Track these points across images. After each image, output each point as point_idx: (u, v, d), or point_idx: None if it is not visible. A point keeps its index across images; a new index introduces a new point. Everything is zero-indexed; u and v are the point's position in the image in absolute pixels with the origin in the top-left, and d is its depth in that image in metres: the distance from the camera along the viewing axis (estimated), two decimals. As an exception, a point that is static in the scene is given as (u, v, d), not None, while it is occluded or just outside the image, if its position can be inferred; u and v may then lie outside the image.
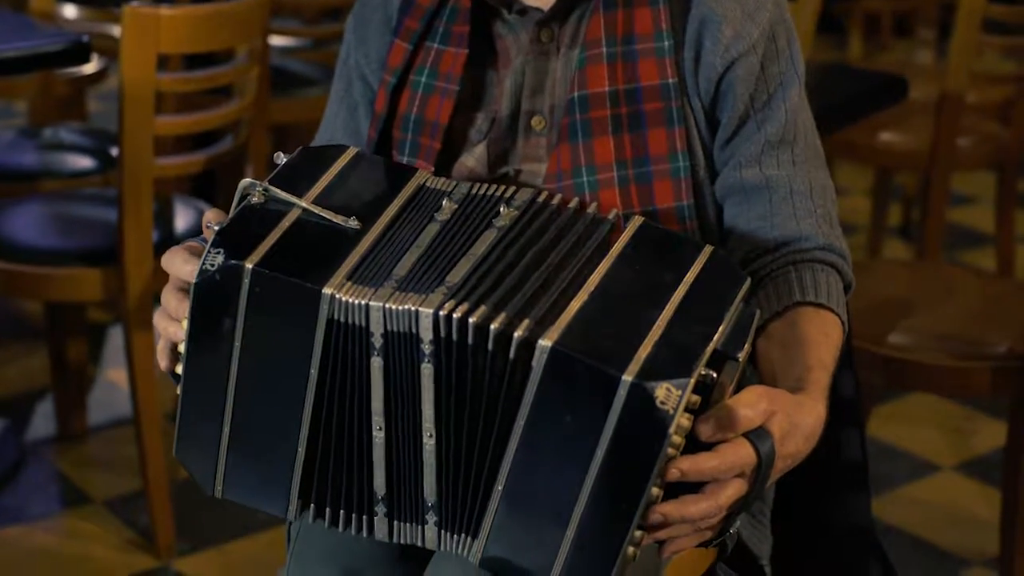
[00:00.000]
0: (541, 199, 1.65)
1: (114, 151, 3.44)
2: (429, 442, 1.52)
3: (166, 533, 3.02)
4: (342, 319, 1.51)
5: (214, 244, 1.53)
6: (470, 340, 1.47)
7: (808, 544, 1.94)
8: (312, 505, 1.61)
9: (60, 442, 3.49)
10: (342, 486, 1.59)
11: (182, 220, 3.15)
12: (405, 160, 1.82)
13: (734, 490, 1.49)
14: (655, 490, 1.44)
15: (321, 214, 1.58)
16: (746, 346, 1.52)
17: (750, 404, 1.49)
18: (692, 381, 1.43)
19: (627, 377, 1.40)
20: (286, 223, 1.57)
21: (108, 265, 2.91)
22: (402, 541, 1.60)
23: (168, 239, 2.98)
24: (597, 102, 1.76)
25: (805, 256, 1.76)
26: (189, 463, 1.65)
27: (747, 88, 1.76)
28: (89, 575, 2.96)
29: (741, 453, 1.48)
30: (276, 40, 4.39)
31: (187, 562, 3.03)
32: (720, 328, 1.50)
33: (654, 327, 1.46)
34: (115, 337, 3.99)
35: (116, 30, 3.94)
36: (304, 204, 1.59)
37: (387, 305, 1.49)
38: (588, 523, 1.46)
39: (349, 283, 1.51)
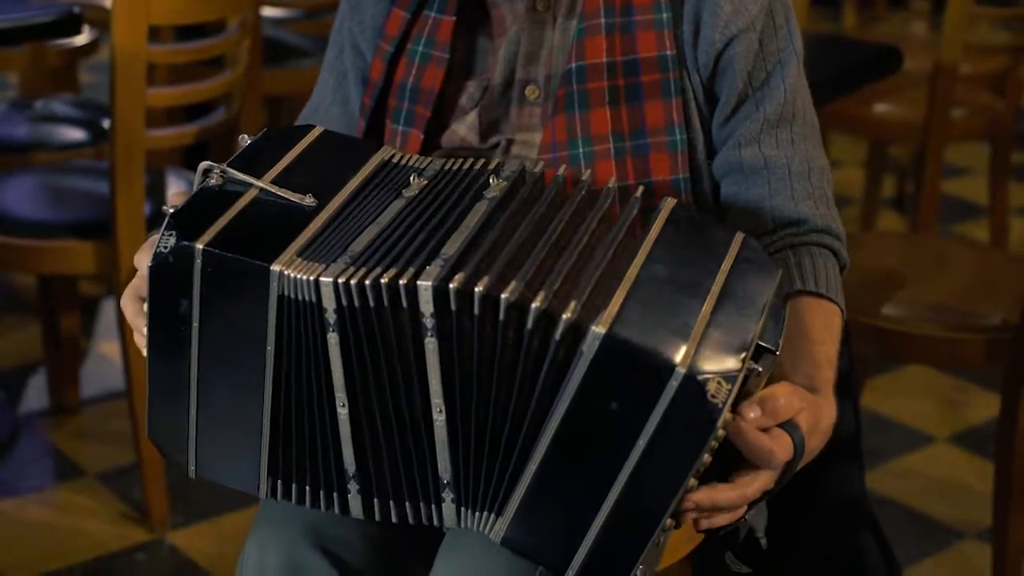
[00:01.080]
0: (537, 169, 1.65)
1: (106, 123, 3.43)
2: (439, 418, 1.50)
3: (159, 506, 3.02)
4: (293, 295, 1.50)
5: (167, 227, 1.53)
6: (476, 312, 1.45)
7: (802, 516, 1.94)
8: (280, 482, 1.60)
9: (53, 415, 3.49)
10: (307, 463, 1.58)
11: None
12: (400, 129, 1.82)
13: (762, 482, 1.50)
14: (692, 480, 1.44)
15: (278, 193, 1.58)
16: (781, 339, 1.52)
17: (787, 396, 1.50)
18: (741, 375, 1.42)
19: (680, 368, 1.39)
20: (241, 203, 1.57)
21: (100, 238, 2.90)
22: (398, 521, 1.59)
23: (160, 211, 2.97)
24: (595, 73, 1.75)
25: (803, 239, 1.77)
26: (162, 445, 1.65)
27: (746, 65, 1.75)
28: (82, 548, 2.96)
29: (786, 445, 1.49)
30: (268, 11, 4.37)
31: (180, 535, 3.03)
32: (761, 320, 1.50)
33: (699, 317, 1.45)
34: (108, 310, 3.99)
35: (107, 1, 3.92)
36: (261, 184, 1.59)
37: (339, 280, 1.47)
38: (621, 509, 1.45)
39: (299, 259, 1.50)
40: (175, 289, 1.54)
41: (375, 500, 1.58)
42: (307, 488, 1.60)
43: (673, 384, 1.40)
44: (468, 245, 1.50)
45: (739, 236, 1.60)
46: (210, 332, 1.55)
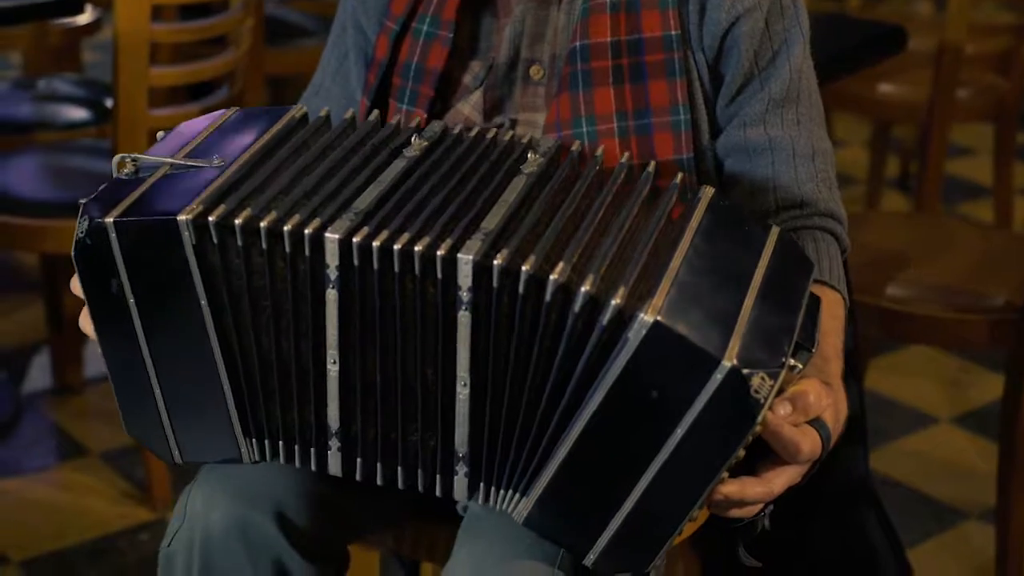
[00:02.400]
0: (575, 148, 1.66)
1: (109, 102, 3.43)
2: (463, 391, 1.49)
3: (162, 485, 3.03)
4: (215, 242, 1.50)
5: (80, 216, 1.54)
6: (521, 291, 1.43)
7: (806, 496, 1.94)
8: (260, 442, 1.60)
9: (56, 395, 3.49)
10: (281, 417, 1.58)
11: (177, 172, 3.14)
12: (404, 108, 1.81)
13: (788, 477, 1.50)
14: (724, 473, 1.44)
15: (187, 163, 1.58)
16: (817, 335, 1.52)
17: (816, 393, 1.50)
18: (784, 372, 1.42)
19: (727, 362, 1.38)
20: (151, 180, 1.57)
21: (103, 217, 2.89)
22: (384, 483, 1.58)
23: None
24: (599, 52, 1.74)
25: (806, 223, 1.77)
26: (141, 438, 1.65)
27: (751, 45, 1.75)
28: (85, 527, 2.96)
29: (815, 441, 1.49)
30: (271, -9, 4.37)
31: (184, 514, 3.02)
32: (801, 316, 1.50)
33: (742, 311, 1.44)
34: (111, 289, 3.98)
35: (110, -20, 3.92)
36: (171, 160, 1.59)
37: (355, 240, 1.46)
38: (650, 498, 1.45)
39: (202, 207, 1.50)
40: (102, 270, 1.54)
41: (358, 460, 1.57)
42: (285, 443, 1.59)
43: (717, 377, 1.38)
44: (508, 220, 1.50)
45: (775, 229, 1.59)
46: (147, 305, 1.55)
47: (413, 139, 1.65)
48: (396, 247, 1.45)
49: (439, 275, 1.45)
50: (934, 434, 3.47)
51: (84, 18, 3.95)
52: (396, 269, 1.46)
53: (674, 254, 1.48)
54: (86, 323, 1.63)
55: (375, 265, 1.47)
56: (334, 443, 1.57)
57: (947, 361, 3.79)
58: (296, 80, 4.19)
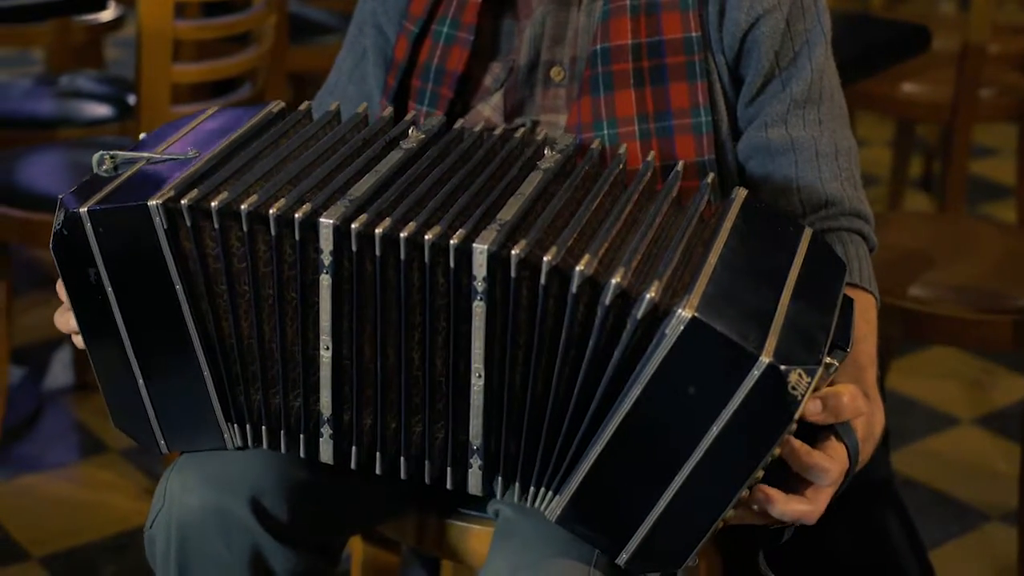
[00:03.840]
0: (595, 147, 1.66)
1: (131, 99, 3.43)
2: (477, 383, 1.49)
3: (183, 482, 3.02)
4: (188, 225, 1.51)
5: (57, 209, 1.55)
6: (543, 282, 1.42)
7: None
8: (236, 426, 1.60)
9: (77, 391, 3.50)
10: (261, 403, 1.58)
11: (199, 169, 3.14)
12: (424, 110, 1.81)
13: (827, 496, 1.49)
14: (760, 472, 1.43)
15: (163, 157, 1.59)
16: (852, 335, 1.51)
17: (852, 397, 1.49)
18: (821, 369, 1.41)
19: (765, 358, 1.37)
20: (128, 173, 1.58)
21: (125, 214, 2.89)
22: (384, 473, 1.58)
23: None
24: (620, 55, 1.74)
25: (833, 224, 1.76)
26: (129, 430, 1.66)
27: (772, 45, 1.74)
28: (106, 523, 2.97)
29: (842, 458, 1.48)
30: (294, -12, 4.37)
31: (204, 511, 3.03)
32: (836, 315, 1.50)
33: (778, 308, 1.44)
34: (132, 286, 3.98)
35: (133, -23, 3.93)
36: (147, 154, 1.60)
37: (354, 226, 1.46)
38: (685, 495, 1.44)
39: (173, 192, 1.51)
40: (79, 260, 1.55)
41: (353, 448, 1.57)
42: (269, 429, 1.59)
43: (755, 373, 1.38)
44: (525, 213, 1.49)
45: (808, 230, 1.59)
46: (125, 294, 1.56)
47: (411, 131, 1.65)
48: (403, 235, 1.45)
49: (451, 264, 1.45)
50: (956, 435, 3.46)
51: (107, 15, 3.96)
52: (402, 257, 1.46)
53: (710, 252, 1.48)
54: (60, 320, 1.64)
55: (377, 252, 1.46)
56: (325, 430, 1.57)
57: (969, 362, 3.78)
58: (318, 77, 4.17)
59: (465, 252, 1.44)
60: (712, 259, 1.47)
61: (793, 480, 1.48)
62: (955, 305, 2.66)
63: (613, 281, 1.41)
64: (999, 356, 3.78)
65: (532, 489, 1.53)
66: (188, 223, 1.50)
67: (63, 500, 3.05)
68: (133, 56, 2.79)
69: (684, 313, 1.39)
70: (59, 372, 3.56)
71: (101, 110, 3.49)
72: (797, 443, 1.45)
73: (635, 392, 1.43)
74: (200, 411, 1.61)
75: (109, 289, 1.55)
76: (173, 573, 1.67)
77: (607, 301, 1.41)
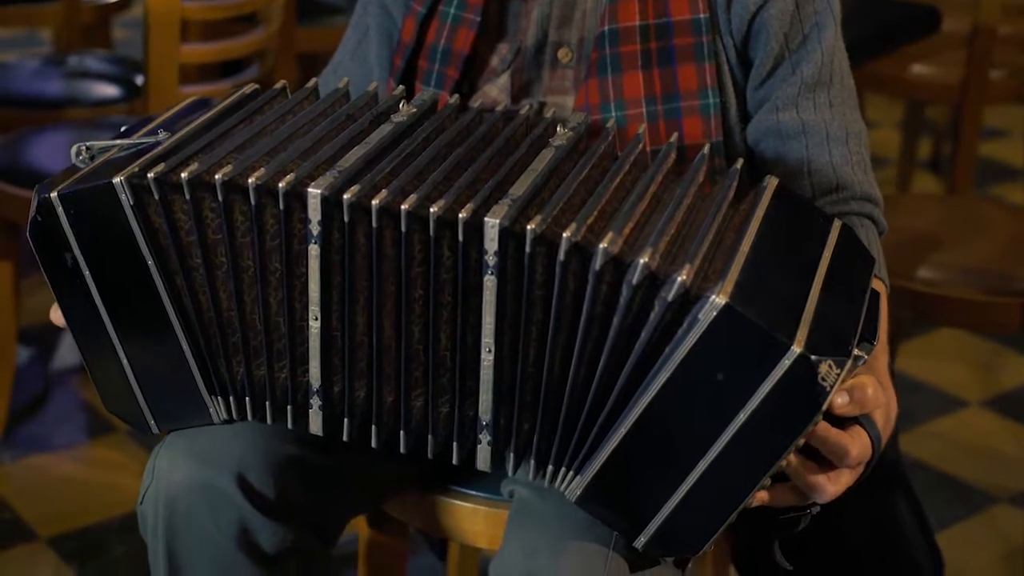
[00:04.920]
0: (609, 126, 1.65)
1: (139, 79, 3.43)
2: (488, 358, 1.47)
3: (191, 463, 3.03)
4: (156, 199, 1.51)
5: (32, 198, 1.56)
6: (561, 258, 1.41)
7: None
8: (220, 399, 1.61)
9: (85, 372, 3.47)
10: (244, 375, 1.58)
11: (207, 149, 3.14)
12: (430, 91, 1.80)
13: (848, 479, 1.49)
14: (783, 462, 1.43)
15: (134, 142, 1.60)
16: (879, 330, 1.51)
17: (875, 388, 1.49)
18: (850, 361, 1.40)
19: (796, 348, 1.36)
20: (100, 160, 1.58)
21: (133, 194, 2.89)
22: (380, 447, 1.57)
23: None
24: (627, 36, 1.74)
25: (843, 208, 1.76)
26: (119, 412, 1.67)
27: (781, 27, 1.74)
28: (114, 504, 2.97)
29: (865, 444, 1.48)
30: (302, -32, 4.36)
31: (212, 491, 3.03)
32: (865, 307, 1.49)
33: (809, 299, 1.43)
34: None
35: (141, -43, 3.92)
36: (120, 141, 1.60)
37: (346, 197, 1.45)
38: (708, 481, 1.43)
39: (138, 168, 1.51)
40: (55, 245, 1.55)
41: (345, 420, 1.57)
42: (254, 401, 1.59)
43: (786, 362, 1.37)
44: (538, 189, 1.48)
45: (837, 222, 1.58)
46: (102, 275, 1.56)
47: (401, 105, 1.64)
48: (404, 208, 1.44)
49: (460, 238, 1.43)
50: (964, 417, 3.46)
51: (115, -5, 3.97)
52: (403, 229, 1.45)
53: (743, 239, 1.47)
54: (55, 315, 1.65)
55: (374, 224, 1.46)
56: (315, 401, 1.57)
57: (978, 344, 3.78)
58: (327, 58, 4.16)
59: (476, 226, 1.43)
60: (745, 247, 1.45)
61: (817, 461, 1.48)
62: (964, 287, 2.65)
63: (641, 261, 1.39)
64: (1008, 338, 3.77)
65: (550, 468, 1.52)
66: (157, 197, 1.51)
67: (71, 480, 3.06)
68: (141, 36, 2.79)
69: (718, 299, 1.37)
70: (67, 353, 3.56)
71: (109, 90, 3.49)
72: (823, 424, 1.44)
73: (663, 376, 1.42)
74: (184, 387, 1.61)
75: (86, 272, 1.56)
76: (161, 548, 1.67)
77: (634, 281, 1.40)
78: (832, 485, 1.48)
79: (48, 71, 3.59)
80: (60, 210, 1.53)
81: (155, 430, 1.66)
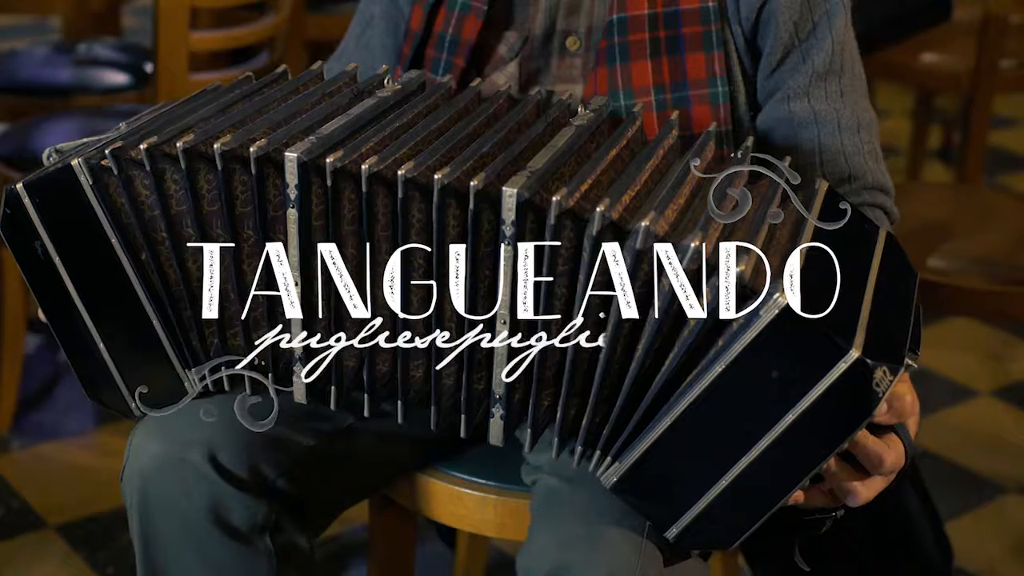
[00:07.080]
0: (637, 110, 1.65)
1: (149, 67, 3.43)
2: (503, 329, 1.45)
3: (200, 450, 3.03)
4: (116, 175, 1.51)
5: (2, 196, 1.56)
6: (594, 232, 1.38)
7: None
8: (193, 372, 1.60)
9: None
10: (218, 346, 1.58)
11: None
12: (437, 79, 1.80)
13: (879, 485, 1.48)
14: (824, 464, 1.42)
15: (99, 137, 1.59)
16: (920, 340, 1.51)
17: (912, 396, 1.49)
18: (903, 369, 1.40)
19: (854, 352, 1.35)
20: (68, 156, 1.57)
21: (142, 182, 2.89)
22: (373, 415, 1.57)
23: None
24: (636, 25, 1.73)
25: (855, 198, 1.75)
26: (103, 400, 1.66)
27: (791, 16, 1.73)
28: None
29: (900, 453, 1.47)
30: (312, -44, 4.36)
31: (221, 479, 3.03)
32: (913, 316, 1.49)
33: (863, 305, 1.43)
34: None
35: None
36: (86, 139, 1.60)
37: (329, 160, 1.44)
38: (748, 478, 1.42)
39: (94, 150, 1.52)
40: (25, 235, 1.56)
41: (332, 388, 1.56)
42: (229, 373, 1.58)
43: (842, 366, 1.35)
44: (557, 163, 1.47)
45: (883, 230, 1.58)
46: (71, 260, 1.56)
47: (387, 81, 1.63)
48: (401, 173, 1.43)
49: (471, 207, 1.41)
50: (974, 407, 3.45)
51: (125, -18, 3.96)
52: (400, 196, 1.44)
53: (798, 242, 1.44)
54: (42, 311, 1.64)
55: (364, 189, 1.45)
56: (297, 368, 1.55)
57: (988, 333, 3.77)
58: (336, 46, 4.17)
59: (491, 197, 1.41)
60: (802, 248, 1.43)
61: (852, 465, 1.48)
62: (974, 276, 2.65)
63: (692, 245, 1.37)
64: (1018, 328, 3.77)
65: (580, 449, 1.49)
66: (116, 173, 1.51)
67: (80, 468, 3.06)
68: (150, 24, 2.79)
69: (780, 299, 1.36)
70: (76, 340, 3.57)
71: (118, 78, 3.49)
72: (862, 431, 1.43)
73: (716, 368, 1.40)
74: (159, 363, 1.60)
75: (56, 259, 1.56)
76: (135, 522, 1.69)
77: (684, 265, 1.38)
78: (866, 491, 1.47)
79: (57, 59, 3.59)
80: (27, 200, 1.53)
81: (137, 413, 1.65)
